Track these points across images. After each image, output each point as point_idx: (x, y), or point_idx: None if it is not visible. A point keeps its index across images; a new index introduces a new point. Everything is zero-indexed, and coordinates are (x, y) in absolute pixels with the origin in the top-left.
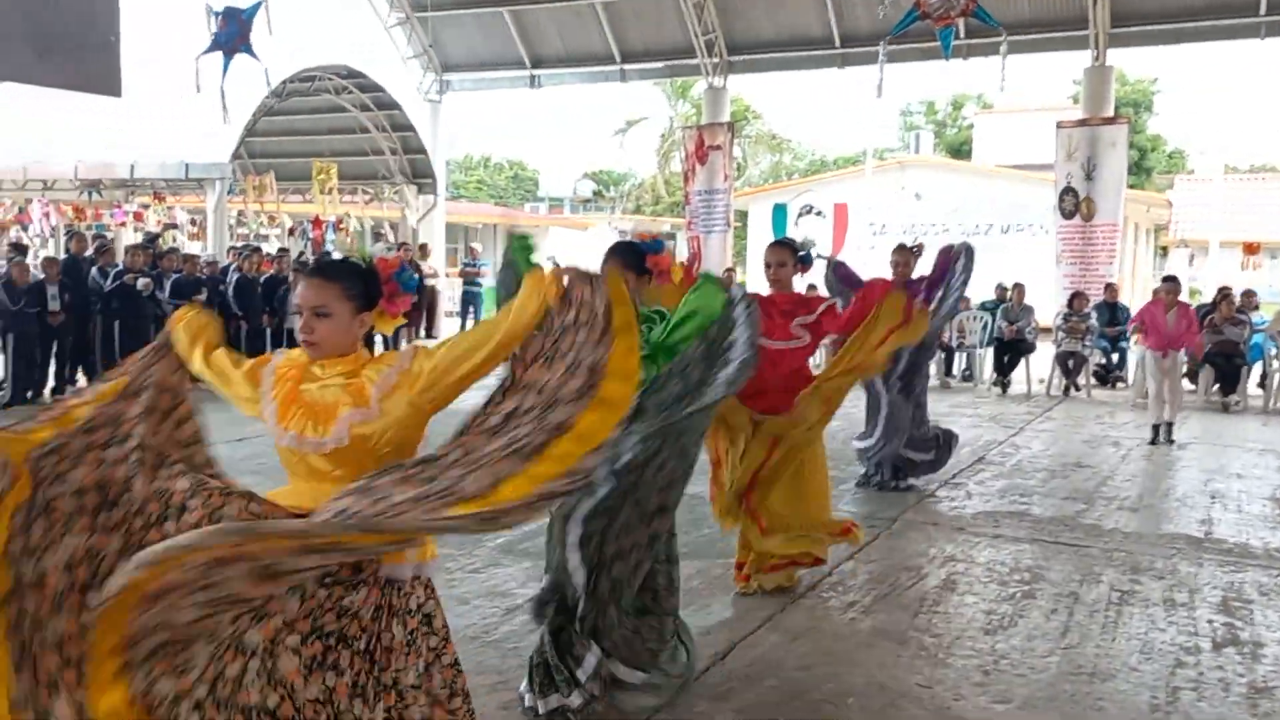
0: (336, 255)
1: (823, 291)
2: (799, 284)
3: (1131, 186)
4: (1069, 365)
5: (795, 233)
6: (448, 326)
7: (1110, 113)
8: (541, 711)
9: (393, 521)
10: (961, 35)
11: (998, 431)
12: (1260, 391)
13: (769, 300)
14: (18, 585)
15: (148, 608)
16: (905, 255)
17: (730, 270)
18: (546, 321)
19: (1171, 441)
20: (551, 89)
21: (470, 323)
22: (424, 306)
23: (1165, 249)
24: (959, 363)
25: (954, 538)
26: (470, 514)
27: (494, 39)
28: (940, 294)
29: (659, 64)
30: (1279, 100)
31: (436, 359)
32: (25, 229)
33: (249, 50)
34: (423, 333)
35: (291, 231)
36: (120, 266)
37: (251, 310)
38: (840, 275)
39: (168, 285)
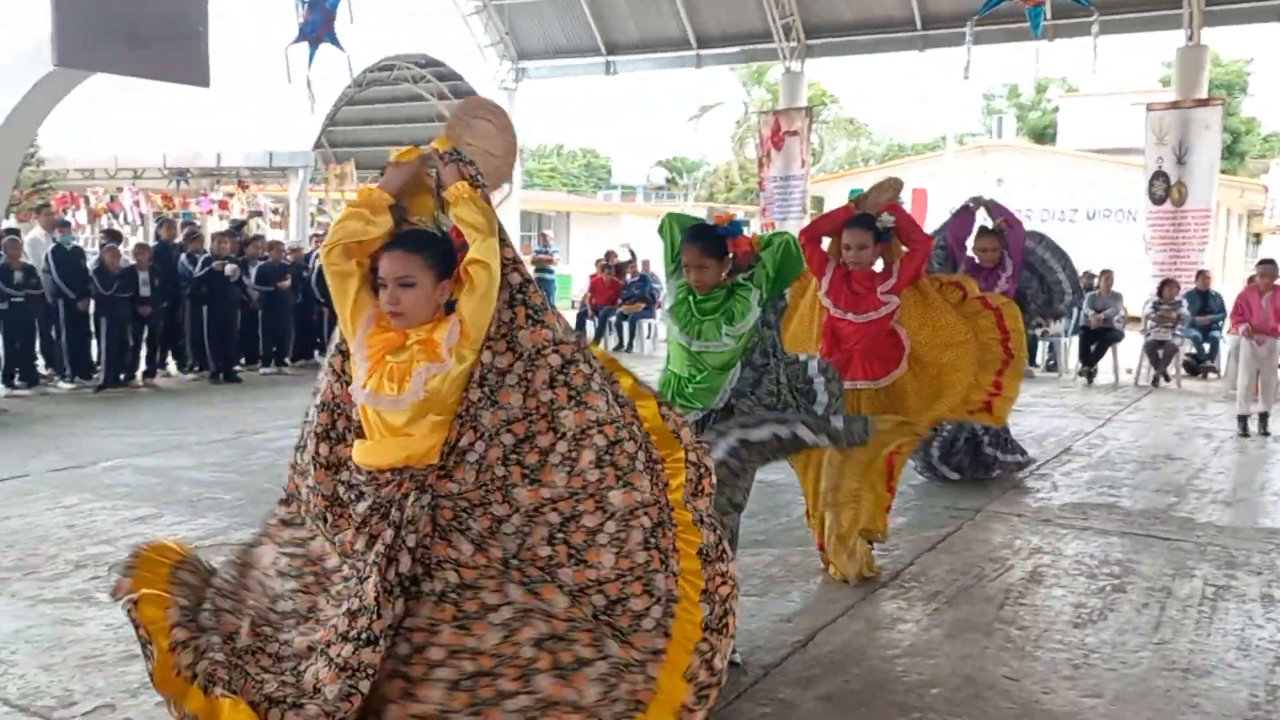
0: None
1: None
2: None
3: (1224, 171)
4: (1158, 355)
5: None
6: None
7: (1203, 94)
8: None
9: None
10: (1049, 16)
11: (1084, 422)
12: None
13: (850, 278)
14: None
15: None
16: (994, 241)
17: None
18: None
19: (1267, 434)
20: (625, 75)
21: None
22: None
23: (1259, 235)
24: (1042, 352)
25: (1040, 530)
26: None
27: (570, 26)
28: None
29: (735, 49)
30: None
31: (466, 311)
32: (116, 216)
33: (334, 40)
34: None
35: None
36: (208, 253)
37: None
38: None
39: (253, 272)
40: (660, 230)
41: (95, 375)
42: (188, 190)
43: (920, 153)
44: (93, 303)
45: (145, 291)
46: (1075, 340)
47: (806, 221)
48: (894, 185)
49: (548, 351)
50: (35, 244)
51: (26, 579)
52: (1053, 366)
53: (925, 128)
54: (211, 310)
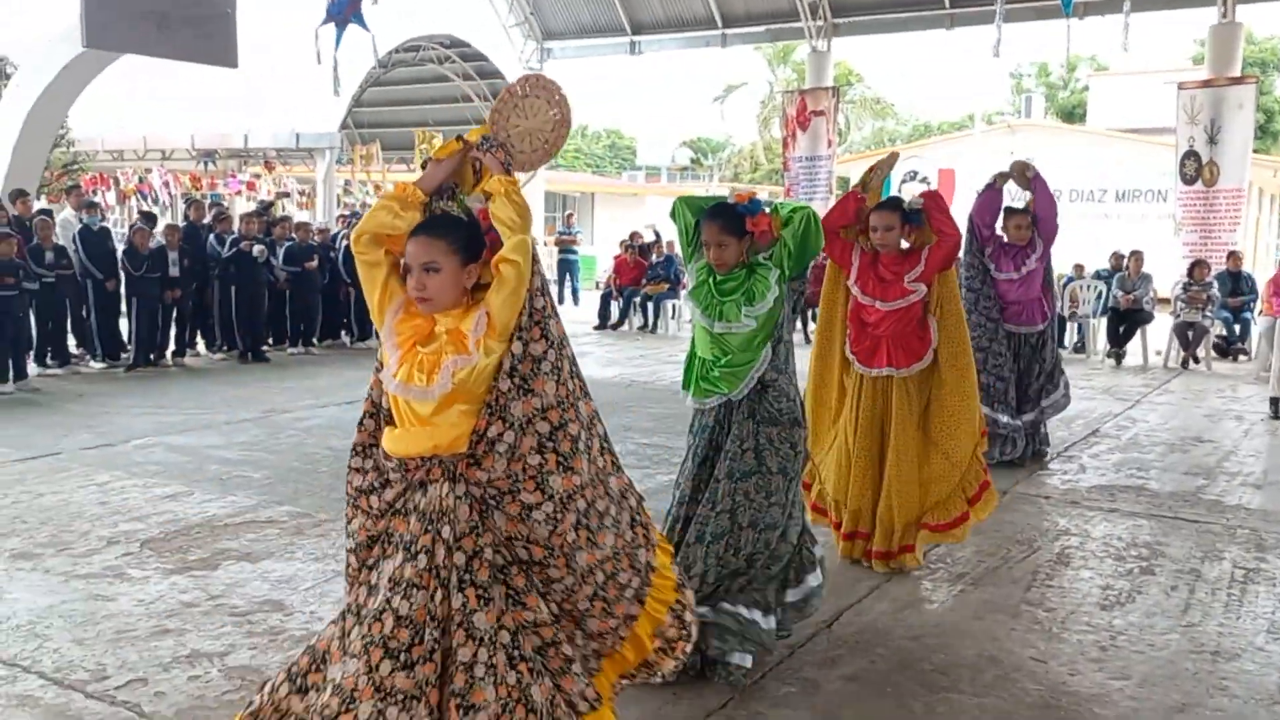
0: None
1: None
2: None
3: (1257, 151)
4: (1188, 336)
5: None
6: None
7: (1237, 73)
8: None
9: None
10: None
11: (1112, 404)
12: None
13: (877, 263)
14: None
15: None
16: (1024, 219)
17: None
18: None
19: None
20: (651, 55)
21: (567, 291)
22: None
23: None
24: (1070, 333)
25: (1067, 512)
26: None
27: (594, 5)
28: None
29: (761, 28)
30: None
31: (494, 305)
32: (145, 197)
33: (360, 20)
34: None
35: None
36: (236, 234)
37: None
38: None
39: (280, 252)
40: (672, 215)
41: (125, 355)
42: (215, 171)
43: (947, 132)
44: (123, 283)
45: (175, 272)
46: (1104, 321)
47: (834, 202)
48: (890, 160)
49: (567, 340)
50: (66, 224)
51: (60, 555)
52: (1081, 348)
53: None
54: (239, 291)
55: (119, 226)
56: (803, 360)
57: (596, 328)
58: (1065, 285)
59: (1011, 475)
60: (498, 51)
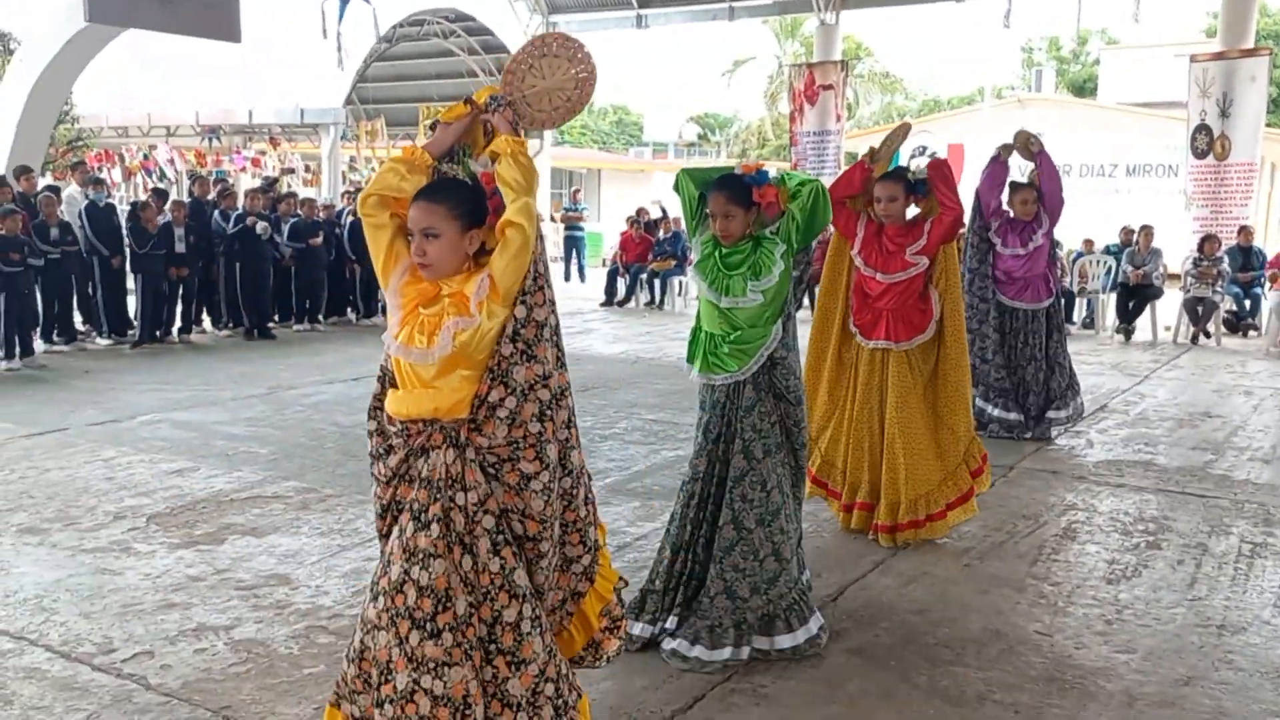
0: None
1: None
2: None
3: (1270, 124)
4: (1198, 312)
5: None
6: (551, 271)
7: (1250, 44)
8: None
9: None
10: None
11: (1121, 379)
12: None
13: (881, 234)
14: None
15: None
16: (1030, 194)
17: None
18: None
19: None
20: (657, 29)
21: (574, 268)
22: None
23: None
24: (1080, 309)
25: (1074, 486)
26: None
27: None
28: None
29: (768, 1)
30: None
31: (498, 269)
32: (150, 174)
33: None
34: None
35: None
36: (241, 210)
37: (366, 253)
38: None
39: (285, 229)
40: (676, 187)
41: (131, 332)
42: (220, 148)
43: (957, 107)
44: (128, 259)
45: (180, 249)
46: (1113, 297)
47: None
48: (902, 131)
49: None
50: (71, 201)
51: (67, 529)
52: (1090, 323)
53: (961, 82)
54: (245, 267)
55: (124, 203)
56: (802, 337)
57: (603, 304)
58: (1075, 260)
59: (1018, 450)
60: (503, 25)
